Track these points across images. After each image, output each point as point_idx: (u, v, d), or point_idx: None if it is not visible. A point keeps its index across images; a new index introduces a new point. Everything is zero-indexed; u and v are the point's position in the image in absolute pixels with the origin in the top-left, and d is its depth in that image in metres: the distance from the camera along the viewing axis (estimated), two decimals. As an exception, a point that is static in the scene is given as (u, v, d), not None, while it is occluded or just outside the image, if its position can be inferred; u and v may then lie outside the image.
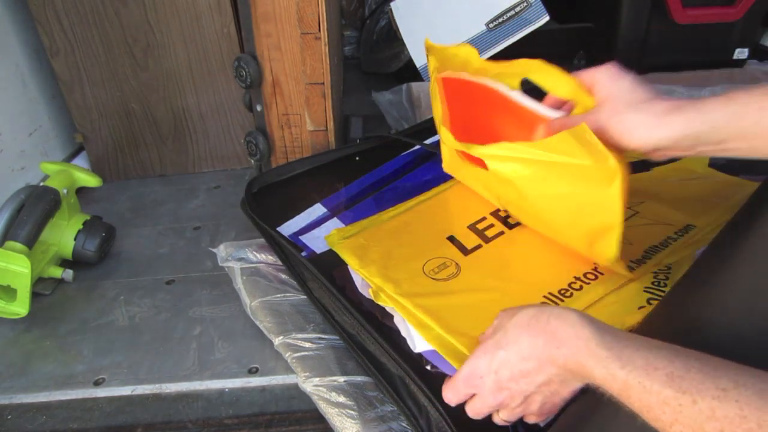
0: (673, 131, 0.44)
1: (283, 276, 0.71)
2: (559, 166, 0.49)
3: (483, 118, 0.60)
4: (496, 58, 1.15)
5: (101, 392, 0.61)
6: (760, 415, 0.25)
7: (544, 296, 0.52)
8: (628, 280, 0.53)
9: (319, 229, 0.72)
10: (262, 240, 0.74)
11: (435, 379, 0.50)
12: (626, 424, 0.33)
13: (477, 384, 0.41)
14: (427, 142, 0.82)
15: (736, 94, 0.41)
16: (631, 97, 0.46)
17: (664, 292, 0.52)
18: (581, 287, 0.53)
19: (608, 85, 0.48)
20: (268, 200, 0.78)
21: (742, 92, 0.41)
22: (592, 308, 0.51)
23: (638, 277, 0.54)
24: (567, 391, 0.38)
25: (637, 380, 0.30)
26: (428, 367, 0.50)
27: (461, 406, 0.48)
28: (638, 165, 0.69)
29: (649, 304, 0.51)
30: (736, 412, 0.26)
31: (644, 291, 0.53)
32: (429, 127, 0.88)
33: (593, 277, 0.54)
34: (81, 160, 1.03)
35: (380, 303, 0.55)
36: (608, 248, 0.49)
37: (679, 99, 0.46)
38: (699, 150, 0.44)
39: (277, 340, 0.62)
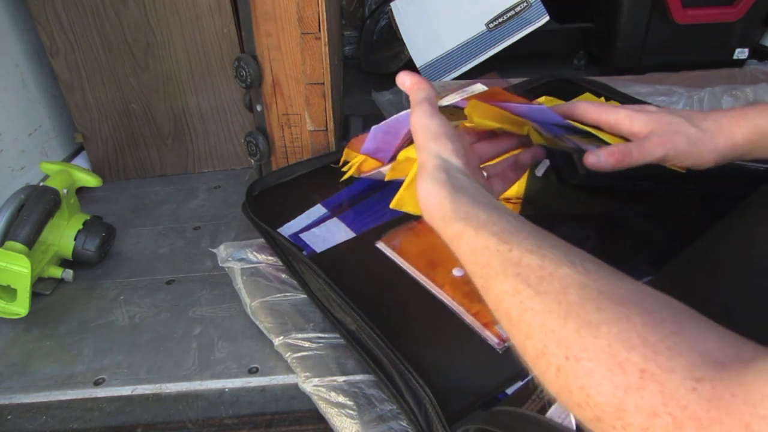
0: (749, 128, 0.46)
1: (283, 276, 0.71)
2: None
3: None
4: (496, 58, 1.16)
5: (101, 392, 0.61)
6: (555, 267, 0.29)
7: None
8: None
9: (318, 228, 0.72)
10: (262, 240, 0.74)
11: (435, 378, 0.50)
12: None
13: None
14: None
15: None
16: (679, 118, 0.47)
17: None
18: None
19: (640, 115, 0.47)
20: (269, 202, 0.78)
21: None
22: None
23: None
24: None
25: (472, 227, 0.33)
26: None
27: (461, 408, 0.48)
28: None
29: None
30: (538, 262, 0.29)
31: None
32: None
33: None
34: (81, 160, 1.03)
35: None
36: None
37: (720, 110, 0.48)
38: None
39: (277, 341, 0.63)
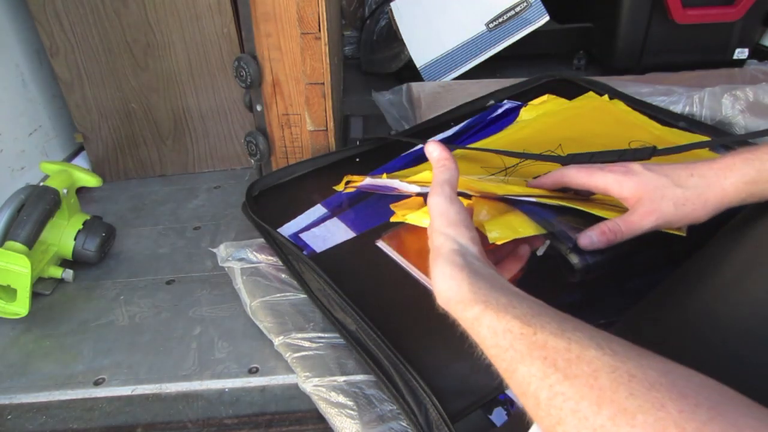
0: (738, 177, 0.45)
1: (284, 276, 0.71)
2: None
3: None
4: (496, 58, 1.16)
5: (101, 392, 0.61)
6: (581, 349, 0.29)
7: None
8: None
9: (318, 228, 0.72)
10: (262, 240, 0.74)
11: (435, 378, 0.50)
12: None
13: None
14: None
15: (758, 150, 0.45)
16: (665, 179, 0.47)
17: None
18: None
19: (628, 180, 0.48)
20: (269, 202, 0.78)
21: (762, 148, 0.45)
22: None
23: None
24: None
25: (493, 311, 0.33)
26: None
27: (462, 407, 0.48)
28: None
29: None
30: (564, 345, 0.29)
31: None
32: (430, 128, 0.88)
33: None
34: (81, 160, 1.03)
35: None
36: None
37: (699, 161, 0.47)
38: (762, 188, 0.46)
39: (277, 341, 0.62)
